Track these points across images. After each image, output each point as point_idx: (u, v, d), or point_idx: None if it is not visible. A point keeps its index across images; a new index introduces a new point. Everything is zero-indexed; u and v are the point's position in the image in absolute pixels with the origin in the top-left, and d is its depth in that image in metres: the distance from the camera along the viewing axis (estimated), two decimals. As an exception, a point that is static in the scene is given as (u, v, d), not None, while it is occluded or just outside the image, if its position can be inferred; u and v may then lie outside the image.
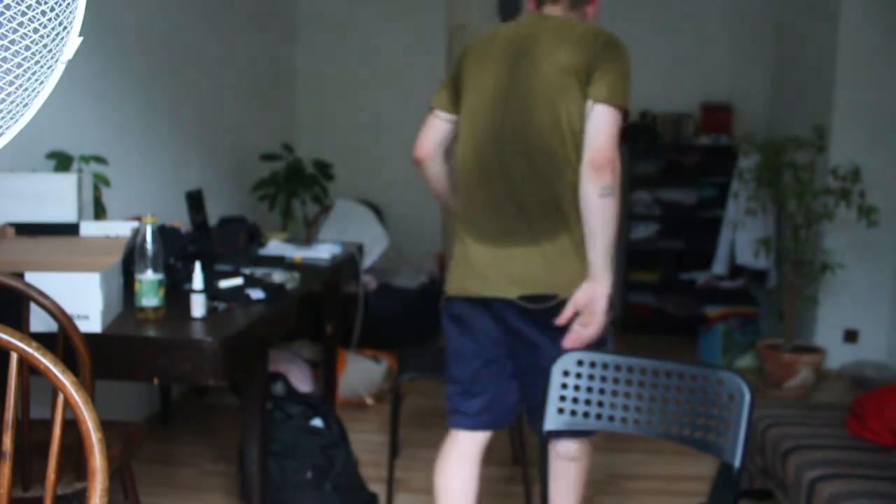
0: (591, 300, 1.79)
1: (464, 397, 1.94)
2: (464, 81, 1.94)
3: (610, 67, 1.76)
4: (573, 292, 1.80)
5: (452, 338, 1.96)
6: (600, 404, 1.57)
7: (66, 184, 2.18)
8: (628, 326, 5.23)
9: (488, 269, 1.85)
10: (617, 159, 1.75)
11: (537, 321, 1.84)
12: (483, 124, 1.87)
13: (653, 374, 1.54)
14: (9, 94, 0.90)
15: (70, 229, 2.13)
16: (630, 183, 5.16)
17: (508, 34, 1.87)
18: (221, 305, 2.11)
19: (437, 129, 2.06)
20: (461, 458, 1.96)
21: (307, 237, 4.33)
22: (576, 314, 1.81)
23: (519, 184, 1.83)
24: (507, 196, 1.84)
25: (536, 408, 1.73)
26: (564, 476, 1.95)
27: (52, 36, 0.91)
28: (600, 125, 1.74)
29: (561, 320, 1.81)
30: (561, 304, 1.81)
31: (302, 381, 3.58)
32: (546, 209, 1.81)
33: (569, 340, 1.82)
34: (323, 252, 3.07)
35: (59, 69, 0.94)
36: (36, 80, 0.92)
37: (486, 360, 1.91)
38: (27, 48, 0.89)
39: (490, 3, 5.73)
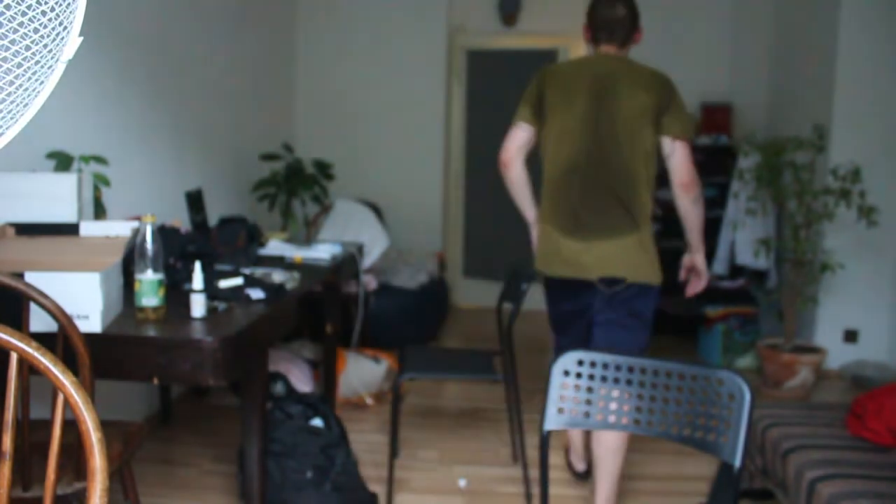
0: (695, 264, 2.59)
1: (564, 338, 2.60)
2: (550, 103, 2.44)
3: (676, 108, 2.43)
4: (636, 277, 2.40)
5: (554, 303, 2.60)
6: (600, 404, 1.57)
7: (66, 184, 2.18)
8: (628, 326, 5.22)
9: (577, 258, 2.42)
10: (696, 176, 2.47)
11: (604, 298, 2.43)
12: (574, 144, 2.40)
13: (653, 374, 1.54)
14: (9, 94, 0.90)
15: (70, 229, 2.13)
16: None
17: (592, 72, 2.42)
18: (221, 305, 2.11)
19: (519, 137, 2.52)
20: None
21: (307, 237, 4.33)
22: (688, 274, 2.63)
23: (603, 194, 2.39)
24: (592, 200, 2.39)
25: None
26: (608, 465, 2.47)
27: (52, 36, 0.91)
28: (682, 156, 2.45)
29: (683, 277, 2.65)
30: (637, 288, 2.42)
31: (302, 381, 3.58)
32: (621, 215, 2.39)
33: (689, 290, 2.62)
34: (323, 252, 3.07)
35: (59, 69, 0.94)
36: (36, 80, 0.92)
37: (576, 316, 2.53)
38: (27, 48, 0.89)
39: (490, 3, 5.73)
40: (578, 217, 2.41)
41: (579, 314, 2.52)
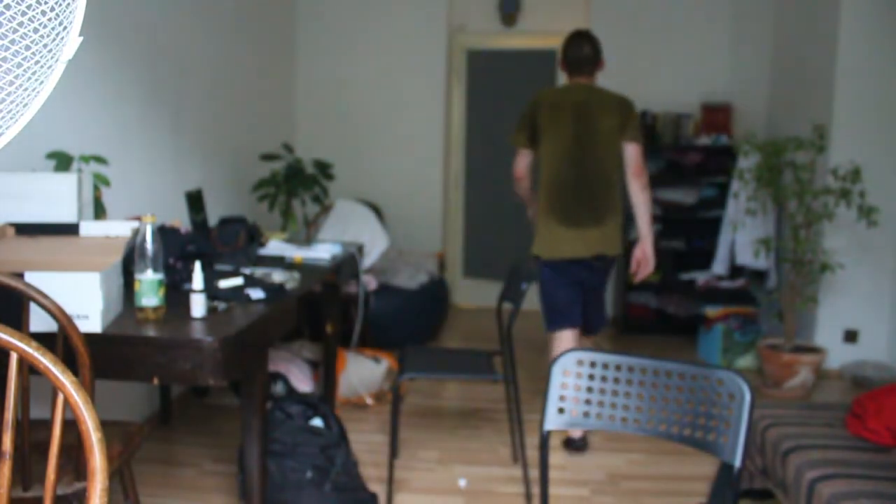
0: (645, 254, 3.23)
1: (560, 313, 3.22)
2: (541, 126, 3.18)
3: (632, 123, 3.15)
4: (613, 252, 3.19)
5: (548, 281, 3.23)
6: (600, 404, 1.57)
7: (66, 184, 2.18)
8: (628, 326, 5.23)
9: (573, 242, 3.15)
10: (645, 167, 3.18)
11: (594, 270, 3.21)
12: (565, 159, 3.14)
13: (653, 374, 1.54)
14: (9, 94, 0.90)
15: (70, 229, 2.13)
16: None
17: (571, 100, 3.15)
18: (221, 305, 2.11)
19: (524, 158, 3.31)
20: (565, 338, 3.22)
21: (307, 237, 4.33)
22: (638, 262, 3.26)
23: (589, 192, 3.13)
24: (582, 199, 3.14)
25: (590, 321, 3.30)
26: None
27: (52, 36, 0.91)
28: (634, 153, 3.16)
29: (633, 269, 3.27)
30: (613, 260, 3.24)
31: (302, 381, 3.58)
32: (603, 209, 3.14)
33: (639, 276, 3.27)
34: (323, 252, 3.07)
35: (59, 69, 0.94)
36: (36, 80, 0.92)
37: (569, 291, 3.21)
38: (27, 48, 0.89)
39: (490, 3, 5.73)
40: (573, 213, 3.15)
41: (572, 284, 3.22)
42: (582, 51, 3.17)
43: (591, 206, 3.13)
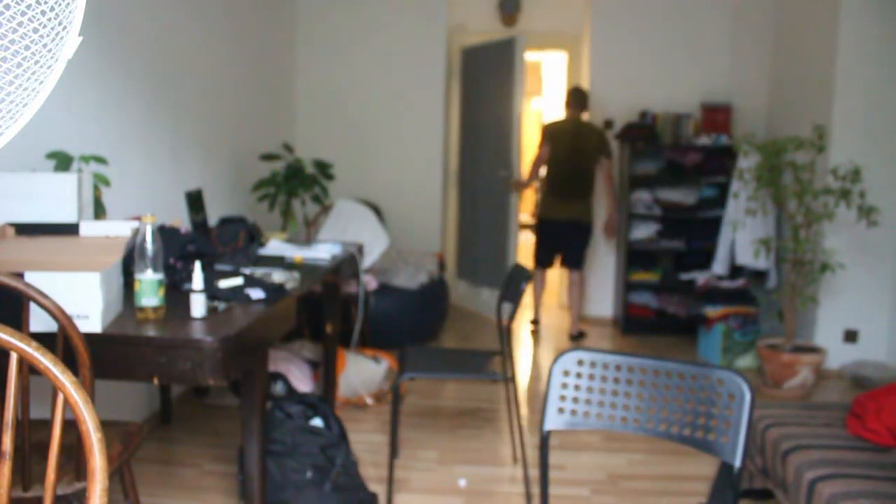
0: (610, 220, 5.21)
1: (541, 259, 5.17)
2: (550, 140, 4.98)
3: (605, 146, 4.96)
4: (587, 220, 5.01)
5: (543, 234, 5.12)
6: (600, 404, 1.57)
7: (66, 184, 2.18)
8: (628, 326, 5.23)
9: (564, 209, 4.98)
10: (612, 174, 5.09)
11: (576, 231, 5.02)
12: (564, 162, 4.95)
13: (653, 374, 1.54)
14: (9, 94, 0.90)
15: (70, 229, 2.13)
16: (630, 183, 5.17)
17: (568, 129, 4.96)
18: (221, 305, 2.11)
19: (540, 161, 5.08)
20: (540, 274, 5.21)
21: (307, 237, 4.33)
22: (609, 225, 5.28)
23: (577, 182, 4.95)
24: (573, 185, 4.95)
25: (570, 259, 5.08)
26: (574, 294, 5.15)
27: (52, 36, 0.91)
28: (607, 166, 4.99)
29: (605, 232, 5.29)
30: (586, 227, 5.04)
31: (302, 381, 3.58)
32: (585, 190, 4.96)
33: (608, 236, 5.33)
34: (323, 252, 3.07)
35: (59, 69, 0.94)
36: (36, 79, 0.92)
37: (555, 242, 5.08)
38: (27, 48, 0.89)
39: (490, 3, 5.74)
40: (565, 191, 5.00)
41: (558, 240, 5.10)
42: (578, 94, 5.02)
43: (576, 189, 5.00)
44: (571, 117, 5.00)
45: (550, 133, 4.98)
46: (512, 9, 5.67)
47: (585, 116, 5.10)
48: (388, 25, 5.52)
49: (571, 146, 4.89)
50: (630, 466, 3.08)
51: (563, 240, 5.04)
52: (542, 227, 5.11)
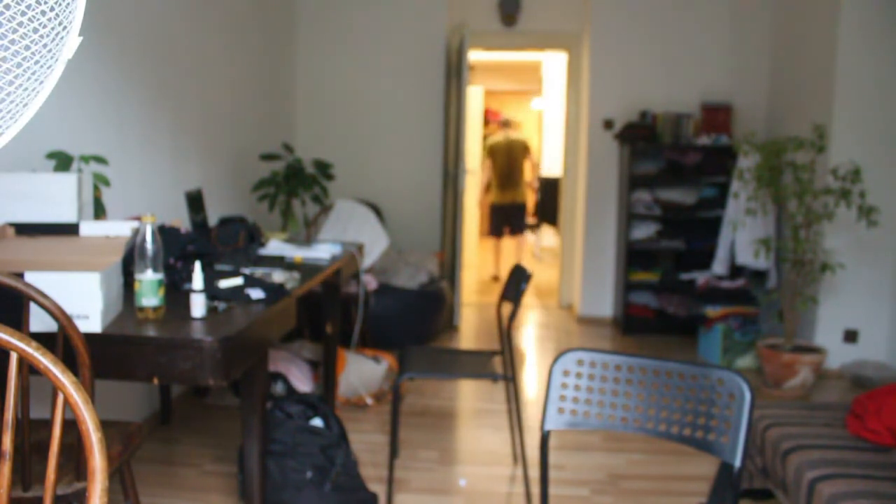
0: (533, 201, 8.69)
1: (494, 230, 7.67)
2: (491, 155, 7.63)
3: (530, 151, 7.73)
4: (523, 201, 7.72)
5: (495, 213, 7.65)
6: (600, 404, 1.57)
7: (66, 184, 2.18)
8: (628, 326, 5.23)
9: (508, 196, 7.62)
10: (538, 166, 8.90)
11: (516, 209, 7.68)
12: (502, 168, 7.59)
13: (653, 374, 1.54)
14: (9, 94, 0.90)
15: (70, 229, 2.13)
16: (630, 183, 5.17)
17: (504, 144, 7.58)
18: (221, 305, 2.11)
19: (487, 169, 7.70)
20: (500, 242, 7.67)
21: (307, 237, 4.33)
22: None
23: (511, 181, 7.64)
24: (510, 182, 7.61)
25: (514, 228, 7.68)
26: (518, 249, 7.86)
27: (52, 36, 0.91)
28: (533, 163, 8.21)
29: (530, 209, 8.39)
30: (522, 205, 7.70)
31: (302, 381, 3.58)
32: (518, 184, 7.66)
33: (528, 210, 8.09)
34: (323, 252, 3.07)
35: (59, 69, 0.94)
36: (36, 80, 0.92)
37: (503, 218, 7.64)
38: (27, 48, 0.89)
39: (490, 3, 5.73)
40: (505, 187, 7.51)
41: (505, 217, 7.50)
42: (506, 123, 7.77)
43: (512, 185, 7.48)
44: (504, 135, 7.60)
45: (491, 149, 7.57)
46: (512, 9, 5.66)
47: (514, 132, 7.67)
48: (387, 25, 5.52)
49: (506, 154, 7.48)
50: (630, 466, 3.08)
51: (508, 216, 7.54)
52: (494, 210, 7.63)
